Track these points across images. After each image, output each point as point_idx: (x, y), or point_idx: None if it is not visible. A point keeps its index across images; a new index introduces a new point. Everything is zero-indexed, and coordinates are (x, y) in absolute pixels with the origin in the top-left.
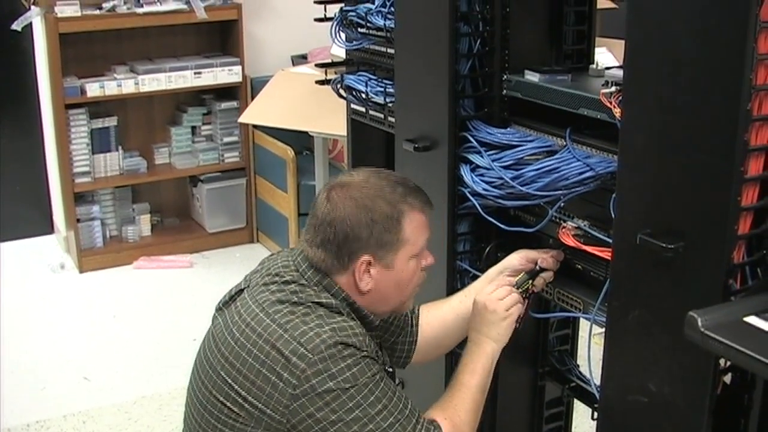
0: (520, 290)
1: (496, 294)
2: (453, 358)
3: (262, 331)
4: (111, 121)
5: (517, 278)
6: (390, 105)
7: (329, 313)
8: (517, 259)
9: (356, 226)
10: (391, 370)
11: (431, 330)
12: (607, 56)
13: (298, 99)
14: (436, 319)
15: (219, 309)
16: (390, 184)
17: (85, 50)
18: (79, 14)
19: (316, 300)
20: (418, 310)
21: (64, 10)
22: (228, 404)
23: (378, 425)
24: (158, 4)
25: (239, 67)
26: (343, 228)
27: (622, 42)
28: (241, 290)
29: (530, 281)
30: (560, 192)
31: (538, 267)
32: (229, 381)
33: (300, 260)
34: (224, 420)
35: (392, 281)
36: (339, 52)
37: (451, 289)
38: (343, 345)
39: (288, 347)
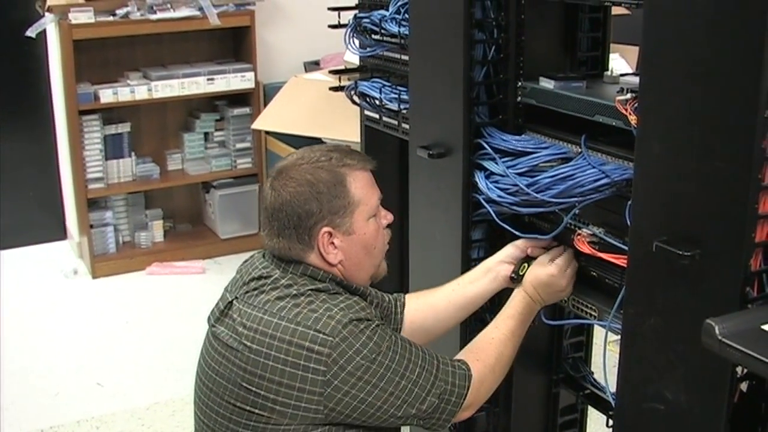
0: (521, 275)
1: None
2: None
3: (275, 332)
4: (124, 127)
5: (517, 266)
6: (404, 112)
7: (330, 295)
8: (515, 247)
9: (304, 203)
10: None
11: (421, 317)
12: (620, 62)
13: (311, 105)
14: (427, 305)
15: (213, 325)
16: (324, 154)
17: (98, 56)
18: (92, 21)
19: (313, 287)
20: (404, 298)
21: (78, 17)
22: (256, 410)
23: (408, 378)
24: (171, 10)
25: (252, 74)
26: (293, 209)
27: (636, 48)
28: (230, 302)
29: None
30: (575, 199)
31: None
32: (254, 389)
33: (275, 259)
34: (254, 425)
35: (359, 246)
36: (352, 58)
37: None
38: (357, 320)
39: (306, 338)
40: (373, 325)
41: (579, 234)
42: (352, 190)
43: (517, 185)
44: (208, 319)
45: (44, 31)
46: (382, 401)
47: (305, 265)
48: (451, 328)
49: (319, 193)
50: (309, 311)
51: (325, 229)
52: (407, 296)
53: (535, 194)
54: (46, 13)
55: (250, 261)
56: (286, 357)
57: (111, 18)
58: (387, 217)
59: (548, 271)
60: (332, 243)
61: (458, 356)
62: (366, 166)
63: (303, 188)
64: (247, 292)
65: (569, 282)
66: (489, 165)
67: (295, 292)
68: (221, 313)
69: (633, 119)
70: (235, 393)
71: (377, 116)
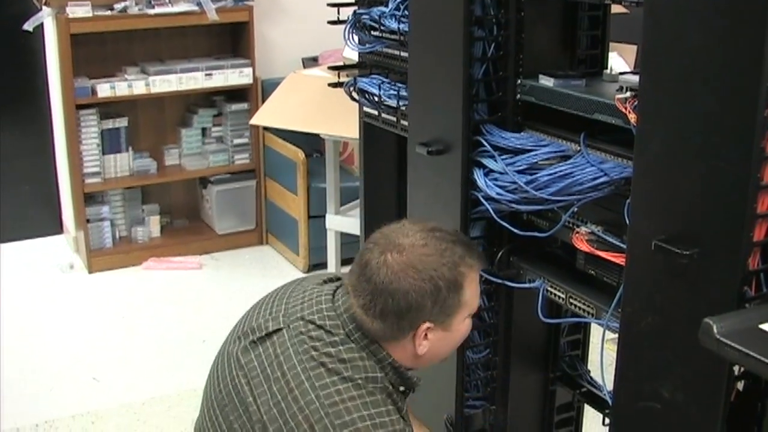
0: None
1: None
2: (463, 358)
3: (304, 406)
4: (121, 122)
5: None
6: (403, 108)
7: (375, 399)
8: None
9: (421, 297)
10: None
11: None
12: (618, 61)
13: (310, 101)
14: None
15: (252, 342)
16: (449, 246)
17: (96, 51)
18: (90, 15)
19: (365, 375)
20: None
21: (75, 11)
22: None
23: None
24: (169, 5)
25: (250, 69)
26: (407, 300)
27: (633, 47)
28: (279, 329)
29: None
30: (574, 197)
31: None
32: None
33: (347, 318)
34: None
35: (449, 341)
36: (351, 54)
37: None
38: None
39: None
40: None
41: (577, 232)
42: (466, 294)
43: (515, 183)
44: (247, 332)
45: (41, 24)
46: None
47: (379, 348)
48: None
49: (438, 291)
50: (344, 408)
51: (428, 324)
52: None
53: (533, 192)
54: (44, 7)
55: (317, 291)
56: None
57: (109, 12)
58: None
59: None
60: (426, 337)
61: None
62: (482, 266)
63: (426, 284)
64: (301, 333)
65: None
66: (488, 162)
67: (346, 373)
68: (267, 335)
69: (632, 117)
70: (243, 422)
71: (376, 113)
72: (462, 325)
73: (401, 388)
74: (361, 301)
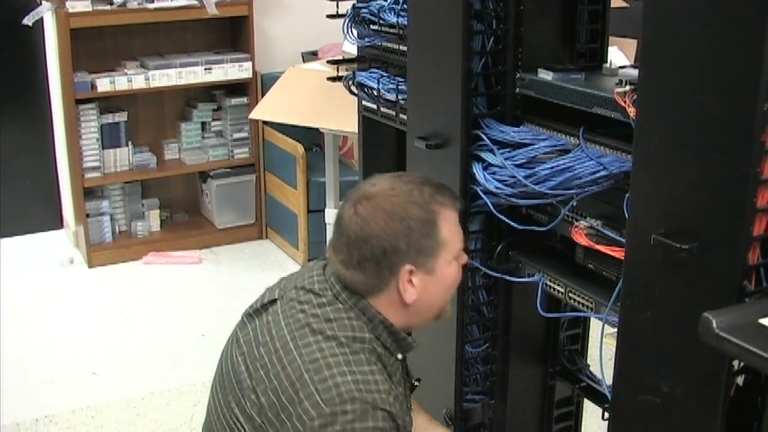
0: None
1: None
2: (462, 352)
3: (287, 364)
4: (121, 117)
5: None
6: (402, 102)
7: (358, 357)
8: None
9: (393, 238)
10: (416, 383)
11: None
12: (618, 55)
13: (309, 95)
14: None
15: (249, 315)
16: (417, 187)
17: (95, 45)
18: (90, 9)
19: (351, 333)
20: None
21: (75, 6)
22: (241, 421)
23: None
24: None
25: (249, 63)
26: (380, 243)
27: (633, 41)
28: (274, 300)
29: None
30: (573, 191)
31: None
32: (248, 402)
33: (333, 280)
34: None
35: (436, 287)
36: (350, 48)
37: (462, 287)
38: (360, 401)
39: (305, 390)
40: (373, 424)
41: (576, 226)
42: (442, 230)
43: (514, 177)
44: (249, 311)
45: (41, 19)
46: None
47: (367, 305)
48: None
49: (411, 230)
50: (324, 364)
51: (408, 267)
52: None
53: (532, 186)
54: (44, 2)
55: (309, 267)
56: (281, 395)
57: (108, 7)
58: (464, 259)
59: None
60: (410, 281)
61: None
62: (456, 205)
63: (395, 223)
64: (292, 299)
65: None
66: (487, 156)
67: (329, 332)
68: (262, 306)
69: (632, 111)
70: (236, 395)
71: (375, 107)
72: (448, 269)
73: (399, 356)
74: (340, 256)
